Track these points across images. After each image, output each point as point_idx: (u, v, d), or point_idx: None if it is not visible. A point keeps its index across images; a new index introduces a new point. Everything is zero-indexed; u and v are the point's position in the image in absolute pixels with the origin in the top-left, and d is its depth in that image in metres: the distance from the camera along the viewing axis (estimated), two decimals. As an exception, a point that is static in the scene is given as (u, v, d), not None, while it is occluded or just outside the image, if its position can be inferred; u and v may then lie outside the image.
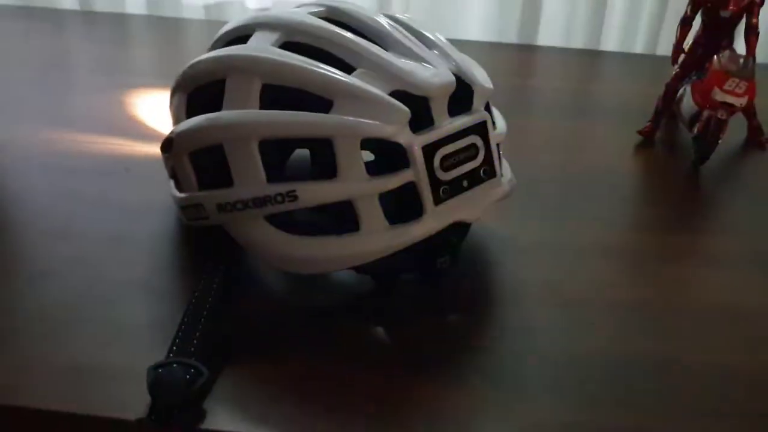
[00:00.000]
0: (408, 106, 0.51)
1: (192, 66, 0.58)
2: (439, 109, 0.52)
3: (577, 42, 1.21)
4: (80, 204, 0.67)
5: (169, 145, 0.57)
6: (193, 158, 0.56)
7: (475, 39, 1.18)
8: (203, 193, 0.55)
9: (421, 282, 0.58)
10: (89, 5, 1.25)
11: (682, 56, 0.80)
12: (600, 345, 0.54)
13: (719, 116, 0.73)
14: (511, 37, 1.21)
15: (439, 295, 0.58)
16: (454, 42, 0.58)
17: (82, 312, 0.54)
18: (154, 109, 0.83)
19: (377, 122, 0.50)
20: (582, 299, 0.58)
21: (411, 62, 0.53)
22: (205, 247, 0.58)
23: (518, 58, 1.10)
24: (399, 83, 0.52)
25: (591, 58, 1.13)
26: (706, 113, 0.74)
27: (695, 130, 0.75)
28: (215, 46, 0.62)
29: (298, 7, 0.62)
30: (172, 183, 0.62)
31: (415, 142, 0.50)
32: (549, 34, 1.21)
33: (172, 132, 0.58)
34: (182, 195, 0.58)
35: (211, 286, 0.53)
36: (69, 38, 1.10)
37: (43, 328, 0.53)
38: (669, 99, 0.81)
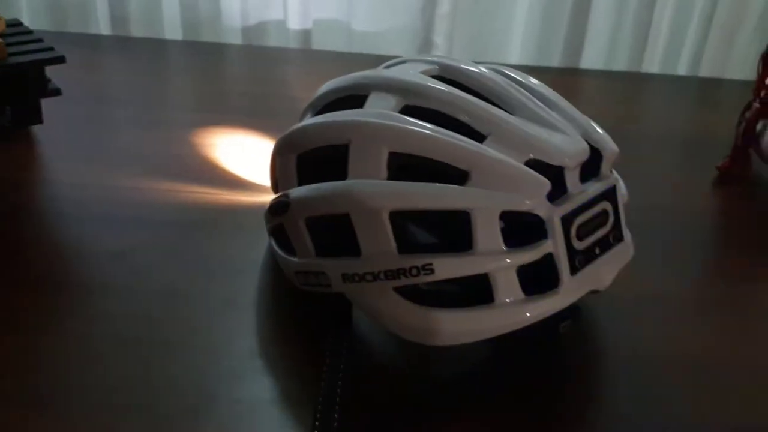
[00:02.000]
0: (541, 175, 0.50)
1: (304, 128, 0.57)
2: (572, 177, 0.51)
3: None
4: (182, 263, 0.64)
5: (284, 208, 0.56)
6: (309, 223, 0.55)
7: (516, 63, 1.17)
8: (327, 261, 0.54)
9: (539, 345, 0.57)
10: (126, 30, 1.23)
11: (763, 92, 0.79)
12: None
13: None
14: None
15: (557, 358, 0.57)
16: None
17: (206, 388, 0.52)
18: (216, 150, 0.81)
19: (517, 194, 0.49)
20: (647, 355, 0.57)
21: (542, 129, 0.52)
22: (320, 314, 0.57)
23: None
24: (533, 152, 0.50)
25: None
26: None
27: None
28: (318, 103, 0.60)
29: (403, 63, 0.61)
30: (273, 242, 0.60)
31: (554, 214, 0.50)
32: (593, 57, 1.21)
33: (286, 195, 0.56)
34: (298, 260, 0.56)
35: (339, 368, 0.52)
36: (107, 67, 1.06)
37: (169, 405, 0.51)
38: (749, 135, 0.80)
